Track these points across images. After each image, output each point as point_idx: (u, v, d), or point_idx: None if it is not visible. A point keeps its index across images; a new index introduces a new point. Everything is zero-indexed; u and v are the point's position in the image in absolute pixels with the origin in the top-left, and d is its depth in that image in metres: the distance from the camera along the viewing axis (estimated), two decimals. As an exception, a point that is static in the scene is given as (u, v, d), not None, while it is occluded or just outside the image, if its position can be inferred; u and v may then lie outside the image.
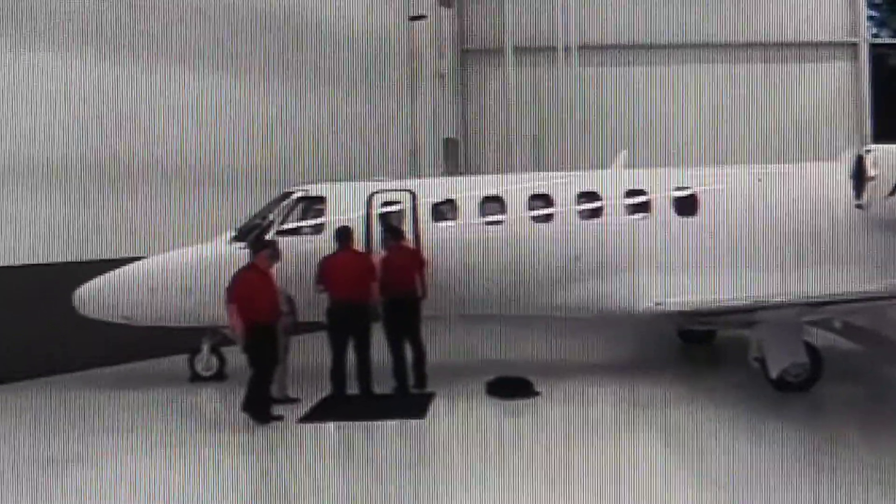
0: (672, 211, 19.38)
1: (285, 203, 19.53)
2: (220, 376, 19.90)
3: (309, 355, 18.53)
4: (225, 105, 24.81)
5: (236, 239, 18.93)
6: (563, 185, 19.92)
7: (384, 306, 17.99)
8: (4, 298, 20.16)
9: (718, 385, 18.39)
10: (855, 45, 33.53)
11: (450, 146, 31.27)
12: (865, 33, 33.80)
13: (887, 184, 18.13)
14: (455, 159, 31.46)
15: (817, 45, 33.24)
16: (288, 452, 15.21)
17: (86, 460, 14.83)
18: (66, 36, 21.66)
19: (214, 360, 19.97)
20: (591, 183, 20.06)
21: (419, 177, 26.12)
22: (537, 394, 17.74)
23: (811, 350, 17.10)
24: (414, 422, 16.41)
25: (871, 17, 34.64)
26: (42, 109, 21.24)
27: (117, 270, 19.38)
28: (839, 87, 33.21)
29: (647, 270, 18.93)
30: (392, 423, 16.34)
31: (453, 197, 19.70)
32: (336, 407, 17.26)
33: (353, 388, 17.57)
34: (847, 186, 18.92)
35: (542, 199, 19.60)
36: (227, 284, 16.26)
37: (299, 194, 19.63)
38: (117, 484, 13.59)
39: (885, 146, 18.83)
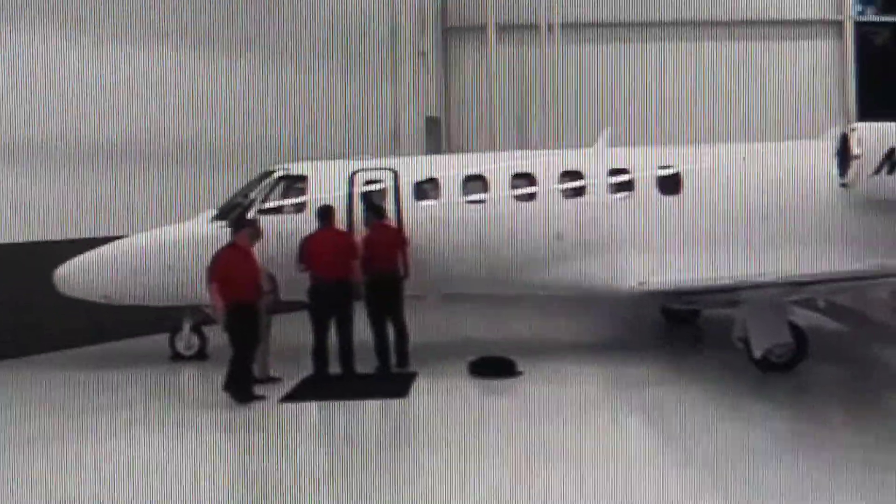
0: (655, 189, 19.32)
1: (267, 182, 19.41)
2: (201, 355, 19.83)
3: (291, 334, 18.44)
4: (205, 84, 24.69)
5: (217, 218, 18.82)
6: (546, 164, 19.84)
7: (366, 285, 17.92)
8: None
9: (702, 365, 18.37)
10: (840, 23, 33.39)
11: (432, 125, 31.15)
12: (851, 11, 33.70)
13: (872, 162, 18.08)
14: (437, 138, 31.33)
15: (803, 23, 33.10)
16: (269, 432, 15.15)
17: (66, 439, 14.73)
18: (46, 16, 21.49)
19: (196, 340, 19.92)
20: (574, 161, 19.97)
21: (401, 155, 26.00)
22: (520, 373, 17.70)
23: (795, 330, 17.06)
24: (396, 401, 16.39)
25: (856, -5, 34.70)
26: (22, 89, 21.14)
27: (98, 249, 19.28)
28: (824, 65, 33.11)
29: (630, 249, 18.89)
30: (374, 403, 16.30)
31: (436, 176, 19.61)
32: (318, 386, 17.21)
33: (335, 368, 17.53)
34: (831, 165, 18.87)
35: (525, 178, 19.52)
36: (208, 263, 16.20)
37: (281, 173, 19.53)
38: (98, 463, 13.52)
39: (870, 125, 18.74)
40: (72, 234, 20.78)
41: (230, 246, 16.43)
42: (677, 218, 19.06)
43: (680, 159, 19.73)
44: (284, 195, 19.58)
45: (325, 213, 17.88)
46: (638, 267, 18.66)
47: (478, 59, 32.31)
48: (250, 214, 18.41)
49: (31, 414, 16.43)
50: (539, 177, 19.47)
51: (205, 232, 18.47)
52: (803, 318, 18.20)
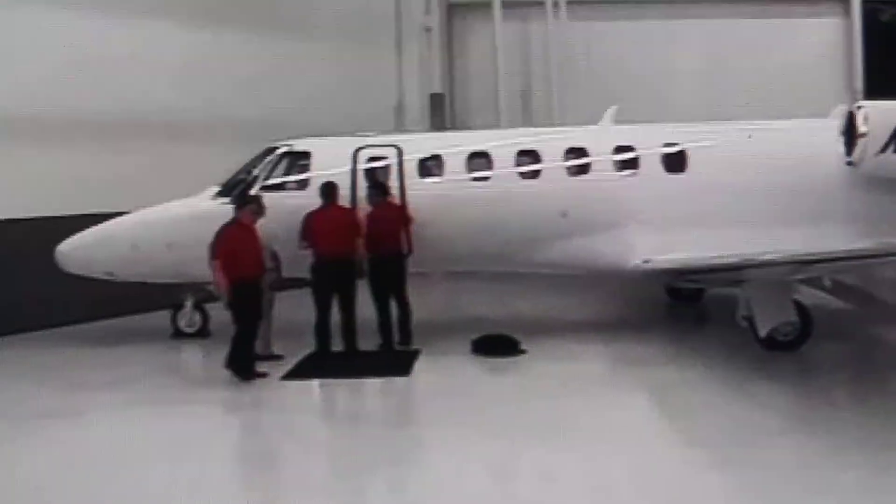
0: (661, 167, 19.25)
1: (270, 158, 19.35)
2: (203, 333, 19.83)
3: (293, 312, 18.39)
4: (207, 59, 24.62)
5: (220, 194, 18.77)
6: (551, 141, 19.77)
7: (369, 262, 17.88)
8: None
9: (706, 343, 18.33)
10: (847, 1, 33.31)
11: (436, 101, 31.05)
12: (858, -11, 33.64)
13: (878, 141, 17.99)
14: (441, 115, 31.21)
15: (809, 1, 33.02)
16: (272, 409, 15.14)
17: (67, 416, 14.76)
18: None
19: (198, 317, 19.92)
20: (579, 139, 19.90)
21: (405, 132, 25.92)
22: (523, 352, 17.68)
23: (801, 309, 17.03)
24: (399, 379, 16.40)
25: (863, -28, 34.50)
26: (25, 63, 21.10)
27: (100, 226, 19.27)
28: (831, 43, 32.97)
29: (635, 227, 18.80)
30: (377, 381, 16.33)
31: (440, 153, 19.54)
32: (320, 364, 17.21)
33: (337, 345, 17.50)
34: (838, 143, 18.78)
35: (530, 155, 19.45)
36: (210, 240, 16.12)
37: (284, 149, 19.47)
38: (98, 440, 13.54)
39: (876, 103, 18.66)
40: (73, 211, 20.67)
41: (233, 223, 16.37)
42: (682, 196, 18.98)
43: (685, 137, 19.65)
44: (287, 172, 19.51)
45: (329, 189, 17.82)
46: (643, 245, 18.58)
47: (483, 36, 32.15)
48: (253, 191, 18.34)
49: (31, 391, 16.46)
50: (544, 154, 19.39)
51: (208, 209, 18.38)
52: (808, 296, 18.18)
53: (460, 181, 19.20)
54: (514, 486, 11.39)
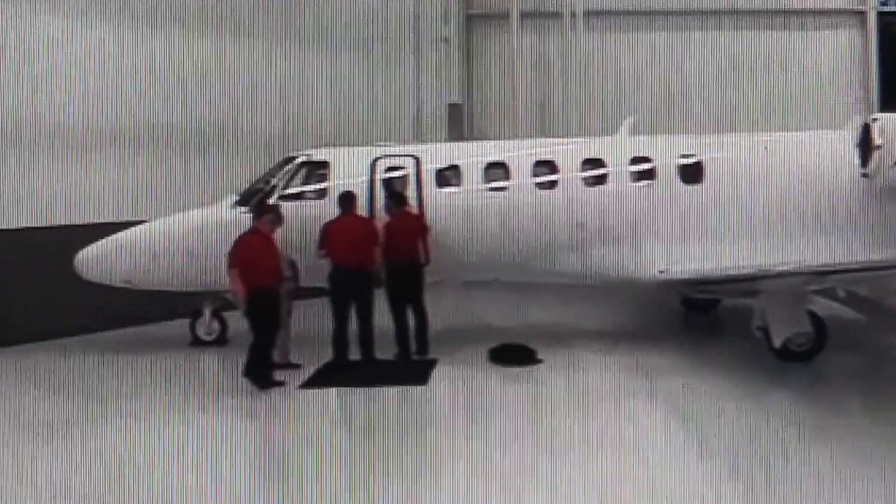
0: (677, 178, 19.31)
1: (288, 168, 19.46)
2: (221, 341, 19.90)
3: (311, 321, 18.46)
4: (229, 69, 24.76)
5: (239, 203, 18.89)
6: (568, 152, 19.85)
7: (387, 272, 17.95)
8: (4, 262, 20.11)
9: (721, 354, 18.38)
10: (863, 13, 33.24)
11: (454, 112, 31.10)
12: (873, 1, 33.54)
13: (893, 153, 18.04)
14: (459, 125, 31.26)
15: (825, 13, 32.95)
16: (289, 418, 15.23)
17: (86, 424, 14.86)
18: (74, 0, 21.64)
19: (216, 325, 19.98)
20: (596, 150, 19.99)
21: (423, 142, 26.01)
22: (540, 361, 17.73)
23: (815, 319, 17.05)
24: (416, 388, 16.42)
25: (879, -15, 34.49)
26: (45, 74, 21.23)
27: (119, 234, 19.36)
28: (846, 55, 32.94)
29: (651, 238, 18.87)
30: (393, 390, 16.34)
31: (457, 163, 19.63)
32: (337, 373, 17.25)
33: (354, 354, 17.56)
34: (853, 155, 18.83)
35: (547, 166, 19.53)
36: (229, 249, 16.21)
37: (302, 159, 19.57)
38: (117, 448, 13.63)
39: (892, 115, 18.70)
40: (92, 219, 20.79)
41: (251, 232, 16.46)
42: (699, 207, 19.04)
43: (702, 148, 19.71)
44: (306, 181, 19.61)
45: (347, 199, 17.90)
46: (659, 256, 18.64)
47: (501, 46, 32.23)
48: (272, 200, 18.45)
49: (51, 399, 16.56)
50: (561, 165, 19.47)
51: (226, 218, 18.49)
52: (823, 307, 18.21)
53: (477, 191, 19.27)
54: (530, 496, 11.40)
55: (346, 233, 17.51)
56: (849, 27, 33.22)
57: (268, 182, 19.31)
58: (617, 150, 19.91)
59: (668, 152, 19.65)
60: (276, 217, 16.84)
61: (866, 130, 18.53)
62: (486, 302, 24.55)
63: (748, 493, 11.07)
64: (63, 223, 20.83)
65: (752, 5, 32.86)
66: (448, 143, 25.70)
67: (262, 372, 16.20)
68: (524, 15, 31.77)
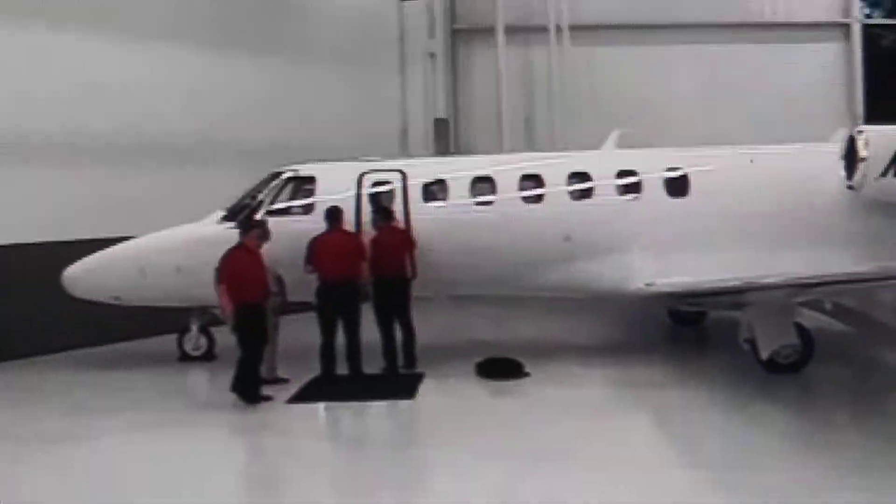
0: (663, 192, 19.37)
1: (275, 183, 19.47)
2: (209, 356, 19.90)
3: (298, 335, 18.45)
4: (214, 83, 24.77)
5: (226, 219, 18.88)
6: (554, 166, 19.90)
7: (374, 286, 17.98)
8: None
9: (708, 366, 18.46)
10: (847, 25, 33.40)
11: (440, 126, 31.16)
12: (858, 13, 33.71)
13: (878, 165, 18.12)
14: (445, 139, 31.31)
15: (810, 26, 33.08)
16: (277, 432, 15.18)
17: (72, 440, 14.77)
18: (60, 13, 21.68)
19: (203, 340, 19.98)
20: (581, 163, 20.01)
21: (409, 157, 26.04)
22: (527, 374, 17.76)
23: (802, 331, 17.12)
24: (403, 402, 16.47)
25: (863, -2, 34.70)
26: (31, 85, 21.27)
27: (107, 250, 19.37)
28: (831, 67, 33.10)
29: (637, 251, 18.90)
30: (381, 404, 16.39)
31: (444, 177, 19.66)
32: (325, 387, 17.26)
33: (342, 369, 17.54)
34: (838, 168, 18.89)
35: (533, 180, 19.57)
36: (216, 264, 16.22)
37: (289, 174, 19.58)
38: (103, 463, 13.60)
39: (877, 127, 18.79)
40: (79, 236, 20.75)
41: (238, 247, 16.46)
42: (685, 220, 19.10)
43: (687, 161, 19.76)
44: (293, 196, 19.63)
45: (334, 214, 17.90)
46: (645, 269, 18.67)
47: (486, 61, 32.23)
48: (258, 215, 18.46)
49: (38, 415, 16.48)
50: (547, 179, 19.51)
51: (213, 233, 18.48)
52: (810, 319, 18.26)
53: (464, 205, 19.32)
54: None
55: (333, 247, 17.52)
56: (833, 39, 33.38)
57: (254, 197, 19.31)
58: (603, 163, 19.96)
59: (653, 166, 19.70)
60: (263, 232, 16.83)
61: (851, 142, 18.61)
62: (473, 316, 24.55)
63: (736, 504, 11.12)
64: (50, 239, 20.77)
65: (737, 19, 32.97)
66: (434, 158, 25.73)
67: (250, 387, 16.20)
68: (509, 29, 31.79)
